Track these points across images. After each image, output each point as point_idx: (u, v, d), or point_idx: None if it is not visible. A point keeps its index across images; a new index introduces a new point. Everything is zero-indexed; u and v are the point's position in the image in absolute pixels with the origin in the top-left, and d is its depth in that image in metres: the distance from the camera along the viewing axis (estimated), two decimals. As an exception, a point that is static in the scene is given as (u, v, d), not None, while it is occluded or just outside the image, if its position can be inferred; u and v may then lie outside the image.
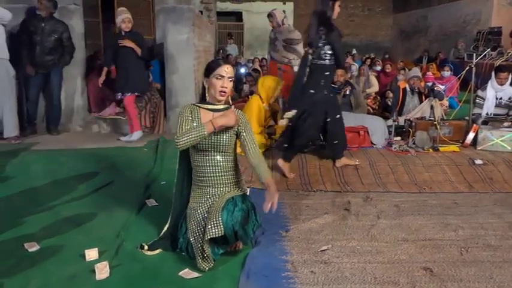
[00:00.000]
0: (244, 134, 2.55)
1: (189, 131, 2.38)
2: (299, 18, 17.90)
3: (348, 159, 4.16)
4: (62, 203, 3.31)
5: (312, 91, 3.91)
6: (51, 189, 3.64)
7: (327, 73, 3.93)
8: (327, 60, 3.88)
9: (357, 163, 4.11)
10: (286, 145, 4.04)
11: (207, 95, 2.56)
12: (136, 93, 5.18)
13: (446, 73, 8.08)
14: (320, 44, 3.85)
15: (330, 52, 3.86)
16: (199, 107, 2.54)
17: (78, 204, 3.32)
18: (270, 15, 5.56)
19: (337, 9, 3.91)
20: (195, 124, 2.47)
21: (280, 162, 3.98)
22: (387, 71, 8.38)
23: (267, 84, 4.65)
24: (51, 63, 5.30)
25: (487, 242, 2.73)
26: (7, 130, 5.02)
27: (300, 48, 5.27)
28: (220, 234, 2.29)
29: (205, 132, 2.38)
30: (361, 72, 7.99)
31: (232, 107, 2.59)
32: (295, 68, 5.26)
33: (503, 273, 2.34)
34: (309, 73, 3.92)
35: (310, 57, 3.91)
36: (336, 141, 4.08)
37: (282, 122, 4.05)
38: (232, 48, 14.28)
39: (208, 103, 2.55)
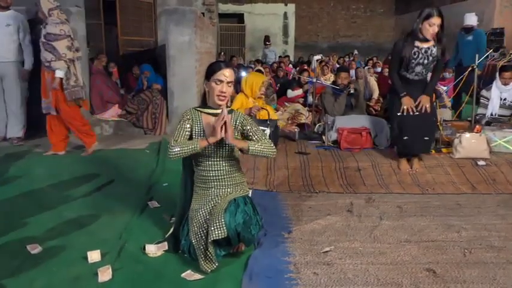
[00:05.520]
0: (247, 128, 2.53)
1: (183, 143, 2.39)
2: (301, 20, 17.96)
3: (403, 164, 4.14)
4: (64, 205, 3.31)
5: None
6: (54, 191, 3.65)
7: None
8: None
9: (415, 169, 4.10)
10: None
11: (207, 98, 2.55)
12: None
13: (448, 74, 8.06)
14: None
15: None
16: (201, 111, 2.54)
17: (81, 205, 3.33)
18: (35, 5, 4.64)
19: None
20: (196, 128, 2.48)
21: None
22: (385, 75, 8.32)
23: (251, 81, 4.79)
24: None
25: (490, 243, 2.71)
26: (11, 131, 5.04)
27: (60, 46, 4.28)
28: (223, 236, 2.29)
29: (198, 148, 2.39)
30: (358, 75, 7.98)
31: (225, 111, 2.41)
32: (58, 74, 4.30)
33: (507, 275, 2.33)
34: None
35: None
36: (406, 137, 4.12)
37: None
38: (270, 52, 13.24)
39: (209, 107, 2.53)
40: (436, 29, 3.84)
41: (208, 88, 2.51)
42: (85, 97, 4.62)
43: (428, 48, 3.94)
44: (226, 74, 2.45)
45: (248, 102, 4.72)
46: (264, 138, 2.55)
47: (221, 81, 2.45)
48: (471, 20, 6.70)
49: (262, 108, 4.69)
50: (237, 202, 2.42)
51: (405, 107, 3.99)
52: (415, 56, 3.94)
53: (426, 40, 3.91)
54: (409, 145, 4.04)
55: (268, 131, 4.31)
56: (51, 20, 4.33)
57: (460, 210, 3.29)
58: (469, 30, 6.66)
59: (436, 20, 3.81)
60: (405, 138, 4.02)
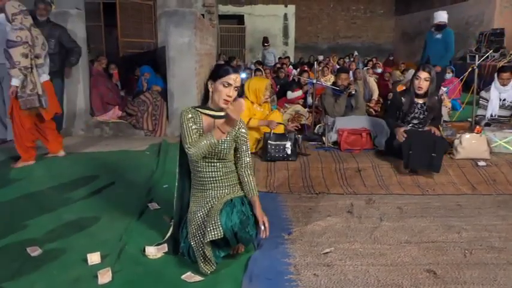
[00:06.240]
0: (241, 146, 2.55)
1: (199, 141, 2.37)
2: (301, 21, 17.99)
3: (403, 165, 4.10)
4: (64, 207, 3.32)
5: None
6: (54, 193, 3.65)
7: None
8: None
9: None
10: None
11: (210, 98, 2.54)
12: None
13: (448, 75, 8.06)
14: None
15: None
16: (201, 111, 2.52)
17: (81, 208, 3.33)
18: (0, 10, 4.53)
19: None
20: (198, 126, 2.47)
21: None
22: (386, 79, 8.32)
23: (254, 86, 4.71)
24: (54, 69, 5.19)
25: (490, 244, 2.71)
26: (11, 133, 5.03)
27: (15, 54, 4.08)
28: (219, 237, 2.28)
29: (215, 141, 2.37)
30: (357, 76, 7.98)
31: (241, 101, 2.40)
32: (13, 82, 4.13)
33: (508, 276, 2.33)
34: None
35: None
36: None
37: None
38: (269, 53, 12.71)
39: (210, 109, 2.51)
40: (422, 82, 4.02)
41: (213, 89, 2.48)
42: (45, 106, 4.32)
43: (424, 103, 4.15)
44: (236, 79, 2.45)
45: (254, 109, 4.67)
46: (250, 165, 2.62)
47: (230, 85, 2.43)
48: (443, 17, 6.73)
49: (279, 123, 4.67)
50: (234, 202, 2.42)
51: (402, 130, 4.06)
52: (411, 110, 4.17)
53: (422, 96, 4.10)
54: (415, 160, 3.94)
55: (289, 144, 4.33)
56: (13, 25, 4.13)
57: (461, 211, 3.28)
58: (440, 28, 6.68)
59: (421, 74, 4.03)
60: (410, 152, 3.93)
